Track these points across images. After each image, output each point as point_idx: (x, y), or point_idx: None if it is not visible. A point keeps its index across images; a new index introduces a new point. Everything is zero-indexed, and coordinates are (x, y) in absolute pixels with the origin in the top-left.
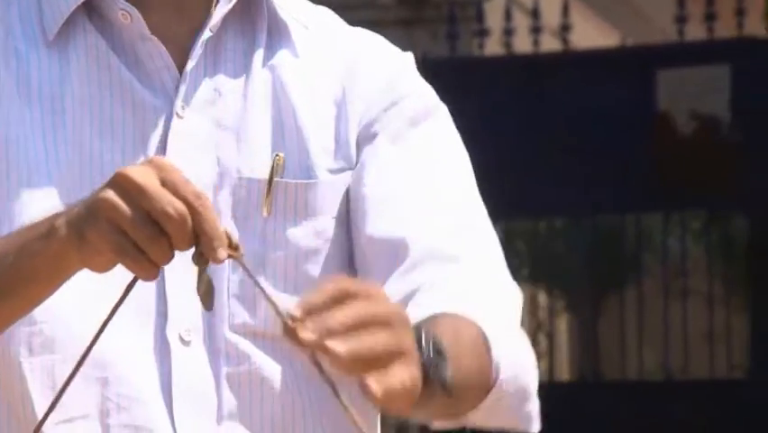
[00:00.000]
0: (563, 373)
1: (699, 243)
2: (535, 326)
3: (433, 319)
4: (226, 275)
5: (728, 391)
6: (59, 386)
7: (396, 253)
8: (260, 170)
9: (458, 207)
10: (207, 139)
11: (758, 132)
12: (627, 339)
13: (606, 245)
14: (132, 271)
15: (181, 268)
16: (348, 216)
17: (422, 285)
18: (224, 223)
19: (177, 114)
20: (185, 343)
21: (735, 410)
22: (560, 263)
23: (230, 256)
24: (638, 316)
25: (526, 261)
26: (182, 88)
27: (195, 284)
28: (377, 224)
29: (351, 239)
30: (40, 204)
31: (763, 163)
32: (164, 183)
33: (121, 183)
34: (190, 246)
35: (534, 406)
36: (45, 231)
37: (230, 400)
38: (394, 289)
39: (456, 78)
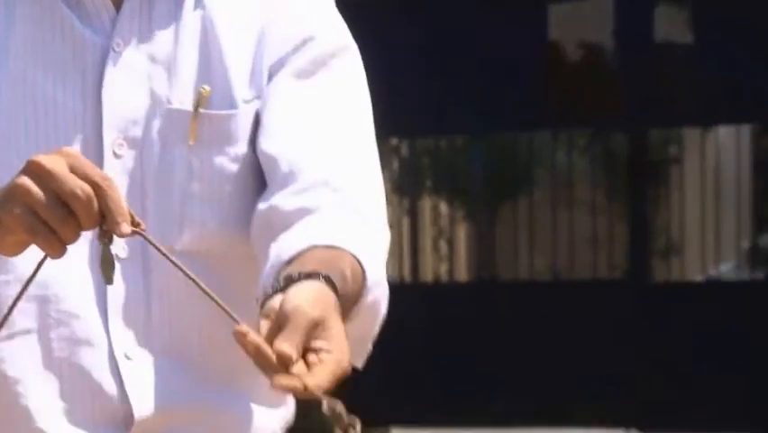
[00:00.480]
0: (462, 275)
1: (583, 158)
2: (437, 232)
3: (322, 253)
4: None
5: (609, 290)
6: (5, 307)
7: (289, 171)
8: (187, 101)
9: (351, 143)
10: (142, 72)
11: (638, 58)
12: (520, 244)
13: (501, 161)
14: (43, 249)
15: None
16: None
17: (311, 208)
18: (155, 152)
19: (113, 49)
20: (119, 260)
21: (614, 307)
22: (460, 177)
23: (134, 232)
24: (529, 223)
25: (429, 174)
26: (118, 26)
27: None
28: (274, 143)
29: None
30: None
31: (641, 86)
32: (73, 168)
33: (33, 169)
34: (96, 225)
35: (370, 346)
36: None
37: (159, 312)
38: (286, 204)
39: (360, 5)
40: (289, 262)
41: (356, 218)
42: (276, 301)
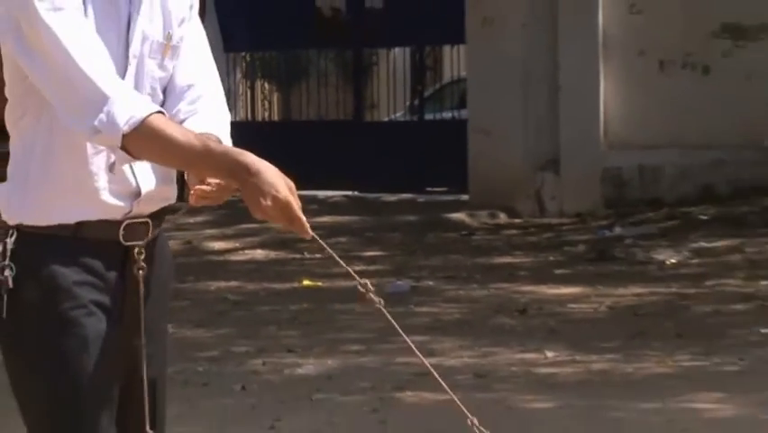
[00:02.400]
0: (275, 116)
1: (333, 62)
2: (263, 97)
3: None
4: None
5: (342, 124)
6: None
7: (186, 90)
8: (163, 38)
9: (210, 62)
10: (142, 21)
11: (358, 8)
12: (302, 103)
13: (290, 68)
14: (271, 219)
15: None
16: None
17: (197, 110)
18: (146, 60)
19: (131, 14)
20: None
21: (345, 131)
22: (269, 71)
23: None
24: (317, 96)
25: (255, 66)
26: (131, 7)
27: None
28: (179, 72)
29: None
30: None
31: (359, 22)
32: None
33: (285, 204)
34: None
35: None
36: (227, 169)
37: None
38: (183, 108)
39: None
40: None
41: (218, 114)
42: None
